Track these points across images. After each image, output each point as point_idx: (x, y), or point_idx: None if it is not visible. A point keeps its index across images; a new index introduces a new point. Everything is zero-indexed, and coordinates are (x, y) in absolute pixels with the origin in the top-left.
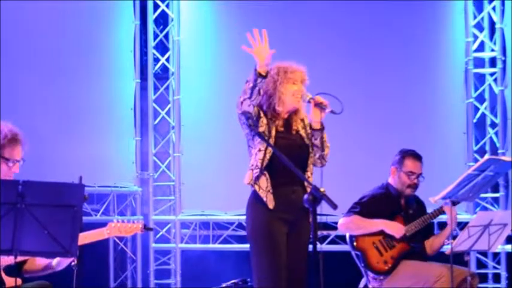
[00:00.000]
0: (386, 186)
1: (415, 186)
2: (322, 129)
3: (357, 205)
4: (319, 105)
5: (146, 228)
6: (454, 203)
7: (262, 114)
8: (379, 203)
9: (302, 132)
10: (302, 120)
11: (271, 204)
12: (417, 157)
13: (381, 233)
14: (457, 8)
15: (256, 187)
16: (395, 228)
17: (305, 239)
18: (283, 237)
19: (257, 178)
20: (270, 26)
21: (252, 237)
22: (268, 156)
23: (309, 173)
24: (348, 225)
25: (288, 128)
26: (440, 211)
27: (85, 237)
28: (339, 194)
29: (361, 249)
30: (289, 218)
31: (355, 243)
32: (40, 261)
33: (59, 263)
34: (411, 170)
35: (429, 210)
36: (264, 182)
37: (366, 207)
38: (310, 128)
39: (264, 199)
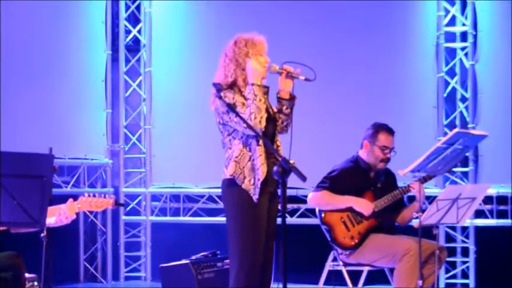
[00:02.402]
0: (356, 160)
1: (387, 161)
2: (292, 98)
3: (327, 180)
4: (291, 75)
5: (117, 203)
6: (426, 180)
7: (236, 91)
8: (349, 177)
9: (267, 103)
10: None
11: (255, 198)
12: (390, 131)
13: (350, 208)
14: None
15: (246, 181)
16: (364, 206)
17: (277, 209)
18: (266, 214)
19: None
20: None
21: (238, 206)
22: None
23: (278, 143)
24: (317, 200)
25: None
26: (407, 190)
27: (70, 208)
28: (309, 166)
29: (328, 223)
30: (271, 189)
31: (323, 218)
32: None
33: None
34: (385, 144)
35: (399, 182)
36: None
37: (336, 182)
38: (280, 97)
39: (249, 192)
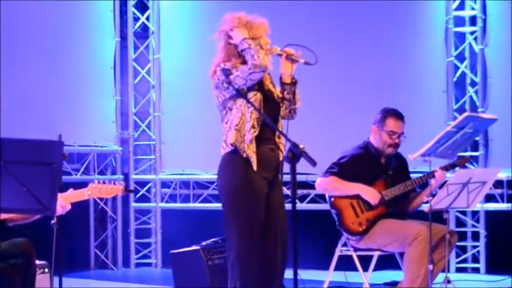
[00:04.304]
0: (366, 146)
1: (396, 146)
2: (294, 83)
3: (335, 166)
4: (291, 58)
5: (127, 190)
6: (449, 168)
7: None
8: (359, 164)
9: (270, 86)
10: (268, 74)
11: (255, 166)
12: (399, 116)
13: (359, 195)
14: None
15: (246, 147)
16: (371, 195)
17: (281, 198)
18: (264, 199)
19: (251, 139)
20: None
21: (233, 193)
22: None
23: (280, 128)
24: (325, 186)
25: (259, 84)
26: (424, 180)
27: (66, 198)
28: (317, 151)
29: (337, 208)
30: (269, 177)
31: (332, 202)
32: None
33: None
34: (392, 129)
35: (410, 167)
36: (253, 141)
37: (345, 168)
38: (281, 82)
39: (251, 159)
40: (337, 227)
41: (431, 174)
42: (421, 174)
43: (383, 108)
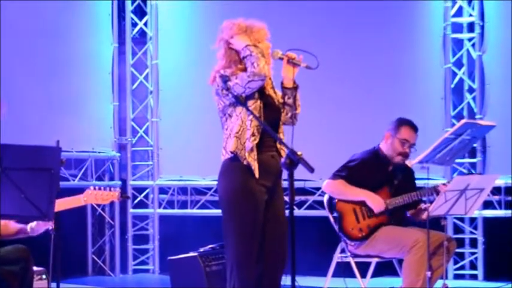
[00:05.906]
0: (376, 152)
1: (405, 155)
2: (295, 87)
3: (345, 168)
4: (292, 62)
5: (123, 196)
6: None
7: None
8: (367, 169)
9: (271, 92)
10: (270, 79)
11: (257, 173)
12: (414, 127)
13: (363, 201)
14: None
15: (246, 155)
16: (376, 203)
17: (283, 205)
18: (263, 205)
19: (251, 147)
20: None
21: (232, 198)
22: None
23: (281, 135)
24: (332, 188)
25: (260, 90)
26: (428, 193)
27: (62, 204)
28: (316, 157)
29: (340, 211)
30: (269, 184)
31: (336, 204)
32: (12, 226)
33: (33, 229)
34: (406, 138)
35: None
36: (254, 149)
37: (353, 172)
38: (282, 86)
39: (252, 167)
40: (337, 231)
41: (436, 190)
42: (422, 182)
43: (398, 118)
